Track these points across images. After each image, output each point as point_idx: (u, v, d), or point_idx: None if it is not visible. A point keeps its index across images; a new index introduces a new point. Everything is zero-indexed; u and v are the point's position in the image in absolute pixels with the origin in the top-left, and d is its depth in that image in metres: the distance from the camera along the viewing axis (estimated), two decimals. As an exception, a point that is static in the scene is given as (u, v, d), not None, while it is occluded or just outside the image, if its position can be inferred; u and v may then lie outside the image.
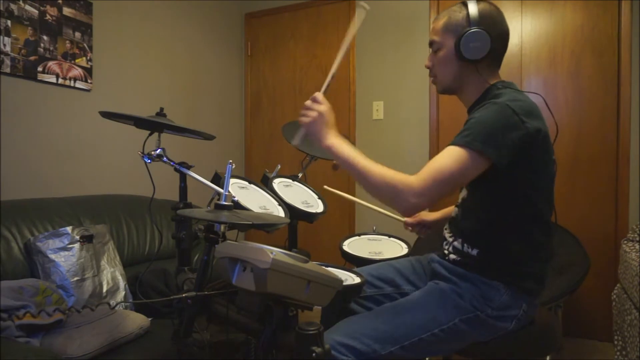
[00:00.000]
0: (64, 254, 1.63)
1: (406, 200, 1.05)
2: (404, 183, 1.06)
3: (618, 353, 1.91)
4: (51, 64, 2.12)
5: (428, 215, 1.55)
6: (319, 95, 1.24)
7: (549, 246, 1.18)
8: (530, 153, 1.08)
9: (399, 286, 1.35)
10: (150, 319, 1.60)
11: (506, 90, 1.16)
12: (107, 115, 1.26)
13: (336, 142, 1.16)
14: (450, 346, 1.19)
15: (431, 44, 1.26)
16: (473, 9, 1.16)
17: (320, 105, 1.21)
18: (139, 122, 1.24)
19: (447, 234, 1.30)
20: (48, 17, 2.10)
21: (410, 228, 1.57)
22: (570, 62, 2.60)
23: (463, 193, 1.28)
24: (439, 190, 1.05)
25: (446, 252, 1.27)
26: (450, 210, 1.46)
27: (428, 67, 1.29)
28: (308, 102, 1.23)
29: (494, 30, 1.15)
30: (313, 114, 1.19)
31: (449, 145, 1.08)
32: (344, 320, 1.15)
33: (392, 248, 1.72)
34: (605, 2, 2.51)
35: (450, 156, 1.06)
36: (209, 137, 1.36)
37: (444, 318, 1.12)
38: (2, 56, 1.91)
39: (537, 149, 1.10)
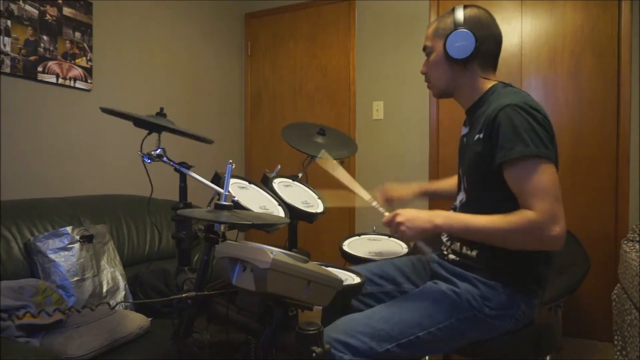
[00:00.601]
0: (64, 254, 1.63)
1: (551, 235, 1.03)
2: (531, 221, 1.04)
3: (618, 353, 1.91)
4: (51, 64, 2.12)
5: (396, 191, 1.53)
6: (386, 217, 1.19)
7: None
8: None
9: (399, 284, 1.35)
10: (150, 319, 1.60)
11: (509, 90, 1.18)
12: (108, 111, 1.26)
13: (439, 220, 1.12)
14: (447, 345, 1.19)
15: (424, 49, 1.31)
16: (459, 13, 1.22)
17: (395, 218, 1.16)
18: (138, 122, 1.24)
19: (444, 238, 1.31)
20: (48, 17, 2.10)
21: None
22: (570, 62, 2.60)
23: (461, 196, 1.28)
24: (559, 205, 1.04)
25: (445, 252, 1.28)
26: (422, 189, 1.53)
27: (423, 73, 1.33)
28: (390, 225, 1.18)
29: (481, 31, 1.19)
30: (402, 228, 1.14)
31: (514, 159, 1.06)
32: (341, 318, 1.16)
33: (392, 248, 1.72)
34: (605, 2, 2.51)
35: (541, 173, 1.05)
36: (207, 141, 1.36)
37: (441, 317, 1.13)
38: (2, 56, 1.91)
39: (554, 147, 1.12)
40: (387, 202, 1.53)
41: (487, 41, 1.21)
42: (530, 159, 1.06)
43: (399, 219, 1.14)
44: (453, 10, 1.24)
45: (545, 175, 1.05)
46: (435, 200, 2.88)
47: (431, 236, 1.17)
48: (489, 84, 1.23)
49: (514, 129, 1.07)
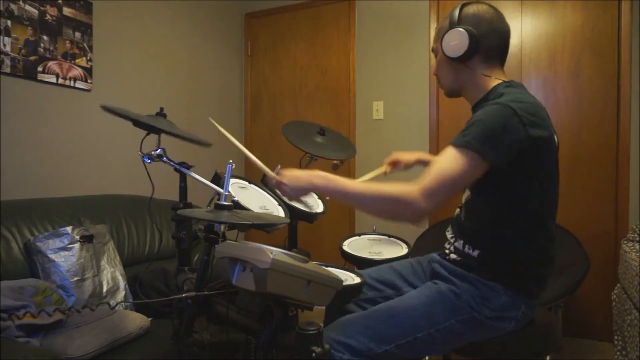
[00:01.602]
0: (64, 254, 1.63)
1: (414, 208, 1.03)
2: (406, 192, 1.04)
3: (618, 353, 1.91)
4: (51, 64, 2.12)
5: (402, 156, 1.59)
6: (271, 176, 1.20)
7: (551, 251, 1.18)
8: (529, 157, 1.08)
9: (399, 288, 1.35)
10: (150, 319, 1.60)
11: (510, 90, 1.17)
12: (108, 109, 1.26)
13: (317, 180, 1.12)
14: (446, 346, 1.19)
15: (433, 51, 1.33)
16: (455, 12, 1.22)
17: (278, 177, 1.18)
18: (136, 122, 1.24)
19: (449, 235, 1.31)
20: (48, 17, 2.10)
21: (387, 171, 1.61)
22: (570, 62, 2.60)
23: (466, 194, 1.28)
24: (443, 192, 1.04)
25: (447, 251, 1.28)
26: (424, 157, 1.57)
27: (435, 75, 1.35)
28: (273, 183, 1.20)
29: (480, 28, 1.18)
30: (282, 186, 1.17)
31: (448, 144, 1.09)
32: (340, 318, 1.16)
33: (392, 248, 1.72)
34: (605, 2, 2.51)
35: (451, 157, 1.06)
36: (205, 144, 1.34)
37: (440, 318, 1.13)
38: (2, 56, 1.91)
39: (538, 153, 1.09)
40: (393, 165, 1.60)
41: (488, 37, 1.19)
42: (456, 147, 1.06)
43: (282, 178, 1.16)
44: (452, 10, 1.24)
45: (450, 162, 1.05)
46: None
47: (433, 237, 1.17)
48: (493, 82, 1.22)
49: (475, 121, 1.08)
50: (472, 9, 1.22)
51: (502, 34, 1.23)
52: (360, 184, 1.10)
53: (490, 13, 1.22)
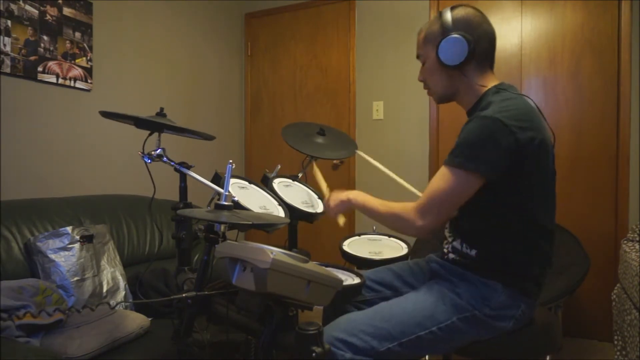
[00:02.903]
0: (64, 254, 1.63)
1: (411, 225, 1.14)
2: (405, 210, 1.15)
3: (618, 353, 1.91)
4: (51, 64, 2.12)
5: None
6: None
7: (549, 251, 1.18)
8: (524, 162, 1.08)
9: (397, 289, 1.35)
10: (150, 319, 1.60)
11: (497, 97, 1.16)
12: (107, 115, 1.26)
13: (352, 195, 1.31)
14: (448, 345, 1.19)
15: (418, 57, 1.30)
16: (446, 16, 1.19)
17: (328, 202, 1.39)
18: (139, 122, 1.24)
19: (447, 234, 1.31)
20: (48, 17, 2.10)
21: None
22: (570, 62, 2.60)
23: None
24: (438, 211, 1.12)
25: (445, 251, 1.28)
26: None
27: (421, 81, 1.33)
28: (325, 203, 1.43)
29: (473, 33, 1.17)
30: (329, 202, 1.38)
31: (443, 164, 1.13)
32: (342, 316, 1.16)
33: (392, 248, 1.72)
34: (605, 2, 2.51)
35: (443, 178, 1.11)
36: (208, 137, 1.36)
37: (442, 316, 1.13)
38: (2, 56, 1.91)
39: (532, 157, 1.09)
40: None
41: (480, 41, 1.18)
42: (448, 167, 1.11)
43: (329, 198, 1.38)
44: (440, 14, 1.21)
45: (443, 182, 1.11)
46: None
47: (433, 237, 1.18)
48: (485, 87, 1.21)
49: (462, 139, 1.11)
50: (460, 12, 1.19)
51: (491, 37, 1.22)
52: (378, 202, 1.25)
53: (478, 16, 1.20)
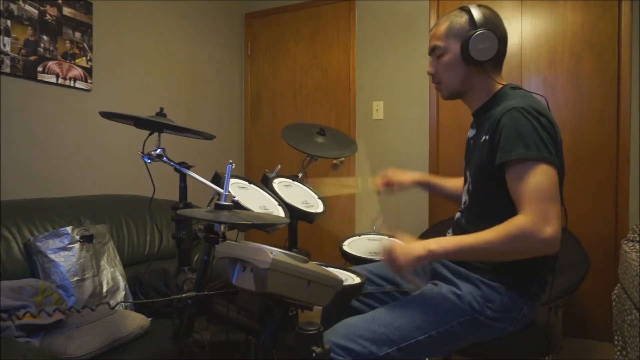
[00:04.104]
0: (64, 254, 1.63)
1: (539, 238, 1.00)
2: (519, 226, 1.02)
3: (618, 353, 1.91)
4: (51, 64, 2.12)
5: (397, 176, 1.51)
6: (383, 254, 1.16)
7: (555, 253, 1.17)
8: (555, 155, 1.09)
9: (399, 284, 1.35)
10: (150, 319, 1.60)
11: (518, 92, 1.18)
12: (107, 115, 1.26)
13: (433, 246, 1.08)
14: (447, 348, 1.19)
15: (433, 49, 1.26)
16: (477, 12, 1.18)
17: (388, 251, 1.12)
18: (139, 122, 1.24)
19: (448, 235, 1.30)
20: (48, 17, 2.10)
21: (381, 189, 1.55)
22: (570, 62, 2.60)
23: (464, 198, 1.28)
24: (556, 210, 1.02)
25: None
26: (423, 178, 1.51)
27: (431, 74, 1.29)
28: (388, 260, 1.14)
29: (498, 32, 1.18)
30: (393, 259, 1.11)
31: (512, 161, 1.06)
32: (341, 322, 1.15)
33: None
34: (605, 2, 2.51)
35: (539, 175, 1.03)
36: (209, 137, 1.36)
37: (442, 320, 1.12)
38: (2, 56, 1.91)
39: (557, 153, 1.10)
40: (387, 186, 1.52)
41: (504, 42, 1.20)
42: (530, 162, 1.04)
43: (393, 254, 1.10)
44: (466, 9, 1.21)
45: (541, 177, 1.03)
46: (437, 196, 2.87)
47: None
48: (498, 86, 1.22)
49: (516, 131, 1.06)
50: (487, 11, 1.20)
51: (506, 38, 1.23)
52: (473, 236, 1.07)
53: (498, 17, 1.22)
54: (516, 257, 1.08)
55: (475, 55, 1.16)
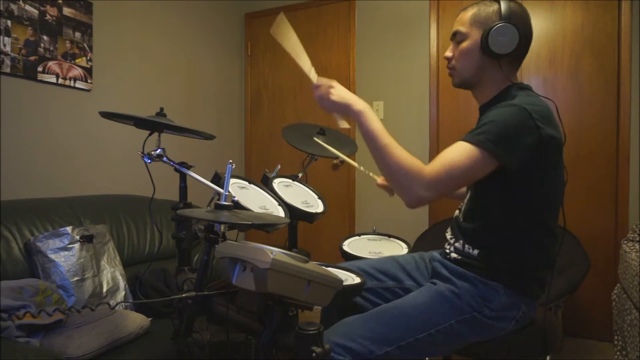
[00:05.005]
0: (64, 254, 1.63)
1: (415, 192, 1.05)
2: (417, 171, 1.05)
3: (618, 353, 1.91)
4: (51, 64, 2.12)
5: None
6: (316, 79, 1.27)
7: (553, 252, 1.18)
8: (541, 159, 1.08)
9: (400, 280, 1.35)
10: (150, 319, 1.60)
11: (523, 92, 1.16)
12: (107, 115, 1.26)
13: (368, 109, 1.13)
14: (447, 347, 1.19)
15: (455, 34, 1.24)
16: (505, 5, 1.16)
17: (324, 83, 1.21)
18: (138, 122, 1.24)
19: (448, 236, 1.30)
20: (48, 17, 2.10)
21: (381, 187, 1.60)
22: (570, 62, 2.60)
23: (466, 195, 1.28)
24: (447, 185, 1.05)
25: (447, 251, 1.28)
26: None
27: (447, 58, 1.27)
28: (316, 89, 1.24)
29: (522, 29, 1.15)
30: (324, 90, 1.19)
31: (460, 140, 1.08)
32: (340, 321, 1.16)
33: (392, 248, 1.72)
34: (605, 2, 2.51)
35: (462, 152, 1.05)
36: (209, 137, 1.36)
37: (441, 319, 1.12)
38: (2, 56, 1.91)
39: (549, 155, 1.09)
40: (387, 187, 1.60)
41: (524, 39, 1.17)
42: (470, 143, 1.05)
43: (332, 84, 1.19)
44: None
45: (462, 157, 1.04)
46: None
47: (434, 237, 1.16)
48: (508, 83, 1.21)
49: (490, 120, 1.06)
50: (516, 6, 1.17)
51: (531, 39, 1.21)
52: (391, 139, 1.10)
53: (528, 15, 1.19)
54: (388, 179, 1.11)
55: (494, 46, 1.14)
